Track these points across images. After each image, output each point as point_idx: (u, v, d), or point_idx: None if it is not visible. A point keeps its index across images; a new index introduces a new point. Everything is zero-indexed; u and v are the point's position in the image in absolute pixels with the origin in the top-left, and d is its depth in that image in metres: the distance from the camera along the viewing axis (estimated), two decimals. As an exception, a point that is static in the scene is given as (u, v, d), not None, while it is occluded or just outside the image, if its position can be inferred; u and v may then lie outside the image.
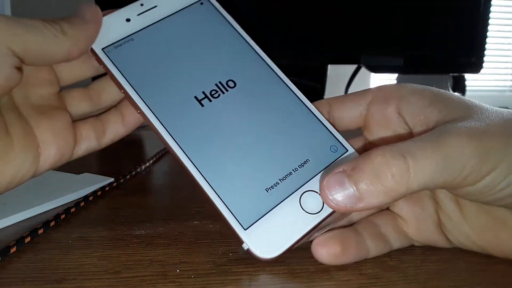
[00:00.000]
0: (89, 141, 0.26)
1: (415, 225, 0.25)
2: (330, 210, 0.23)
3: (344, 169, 0.21)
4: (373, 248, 0.24)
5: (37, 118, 0.24)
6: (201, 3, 0.28)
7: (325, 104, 0.27)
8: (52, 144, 0.24)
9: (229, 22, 0.28)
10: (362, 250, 0.24)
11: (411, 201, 0.25)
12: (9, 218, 0.29)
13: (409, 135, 0.25)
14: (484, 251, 0.24)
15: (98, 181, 0.37)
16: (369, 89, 0.27)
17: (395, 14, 0.61)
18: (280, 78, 0.27)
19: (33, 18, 0.22)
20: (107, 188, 0.36)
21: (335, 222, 0.25)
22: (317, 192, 0.23)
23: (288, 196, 0.23)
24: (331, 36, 0.61)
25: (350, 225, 0.25)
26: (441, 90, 0.24)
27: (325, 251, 0.23)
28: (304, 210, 0.23)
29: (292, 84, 0.27)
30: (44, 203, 0.32)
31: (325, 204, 0.23)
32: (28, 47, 0.21)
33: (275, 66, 0.27)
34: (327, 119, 0.26)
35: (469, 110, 0.22)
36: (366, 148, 0.27)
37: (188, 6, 0.28)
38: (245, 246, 0.22)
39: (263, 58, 0.27)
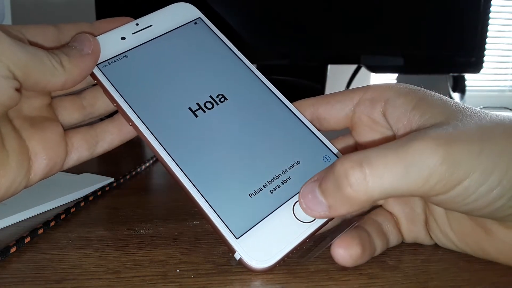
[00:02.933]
0: (80, 151, 0.26)
1: (406, 224, 0.25)
2: (325, 219, 0.23)
3: (317, 178, 0.22)
4: (379, 247, 0.24)
5: (29, 130, 0.24)
6: (195, 23, 0.29)
7: (308, 106, 0.27)
8: (43, 156, 0.24)
9: (222, 40, 0.28)
10: (373, 249, 0.24)
11: (402, 200, 0.25)
12: (9, 218, 0.29)
13: (395, 138, 0.25)
14: (465, 252, 0.24)
15: (98, 181, 0.37)
16: (356, 90, 0.27)
17: (395, 14, 0.61)
18: (272, 92, 0.27)
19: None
20: (107, 188, 0.36)
21: (359, 220, 0.24)
22: None
23: (281, 205, 0.23)
24: (331, 36, 0.61)
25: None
26: (429, 92, 0.24)
27: (348, 253, 0.22)
28: (297, 219, 0.23)
29: (284, 98, 0.27)
30: (44, 203, 0.32)
31: None
32: (29, 73, 0.21)
33: (268, 81, 0.27)
34: (311, 122, 0.26)
35: (452, 115, 0.22)
36: (357, 149, 0.27)
37: (183, 25, 0.28)
38: (237, 256, 0.22)
39: (256, 74, 0.28)
